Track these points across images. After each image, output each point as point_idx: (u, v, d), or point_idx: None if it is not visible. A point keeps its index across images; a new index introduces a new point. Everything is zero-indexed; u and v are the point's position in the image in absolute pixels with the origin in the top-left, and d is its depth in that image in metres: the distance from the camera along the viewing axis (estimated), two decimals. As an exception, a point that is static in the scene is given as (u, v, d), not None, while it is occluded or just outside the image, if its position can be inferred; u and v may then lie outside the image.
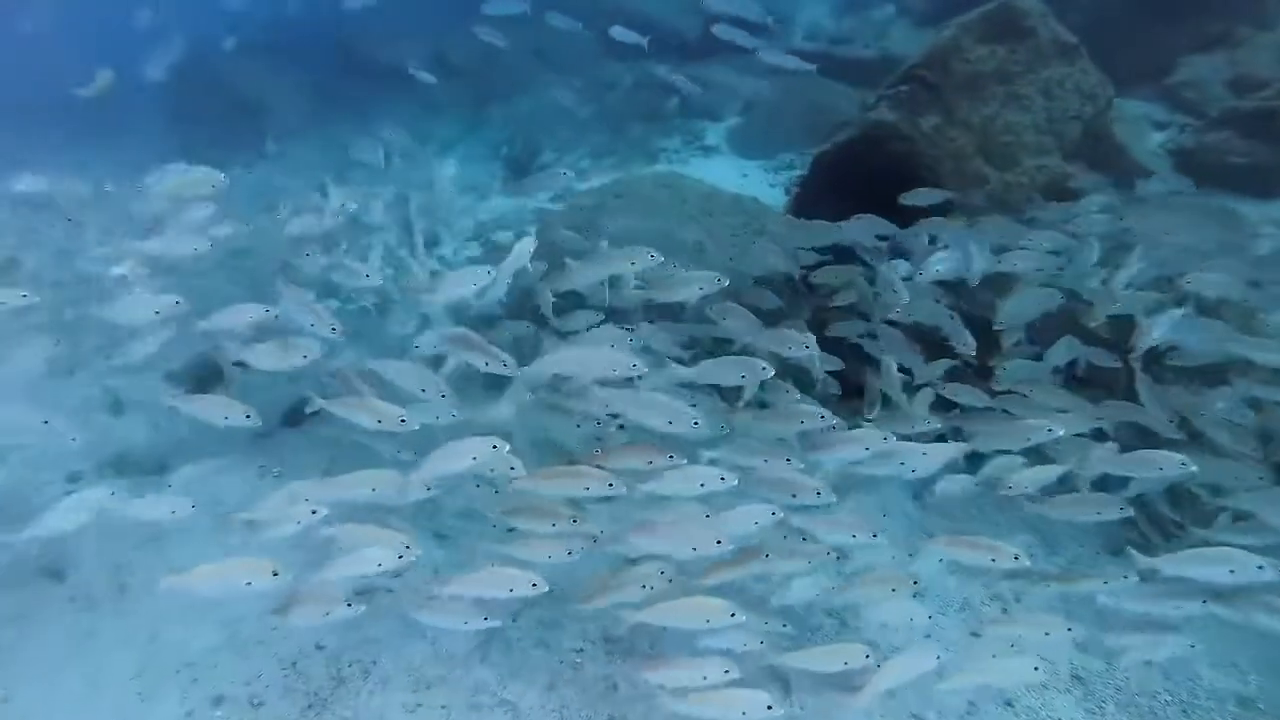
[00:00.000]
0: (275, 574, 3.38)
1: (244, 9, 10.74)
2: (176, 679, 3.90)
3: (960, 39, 6.55)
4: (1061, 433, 4.07)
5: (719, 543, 3.41)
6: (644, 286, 4.76)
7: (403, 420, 3.72)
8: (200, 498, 4.05)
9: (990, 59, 6.53)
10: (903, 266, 5.09)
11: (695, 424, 3.62)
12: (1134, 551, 3.77)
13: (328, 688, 3.84)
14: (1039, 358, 4.91)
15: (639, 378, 3.84)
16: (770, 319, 5.19)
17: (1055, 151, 6.61)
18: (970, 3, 6.96)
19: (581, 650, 4.02)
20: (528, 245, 5.26)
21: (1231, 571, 3.46)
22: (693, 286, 4.41)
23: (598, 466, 3.61)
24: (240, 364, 5.62)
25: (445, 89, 9.57)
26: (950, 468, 4.34)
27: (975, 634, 4.18)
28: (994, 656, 3.52)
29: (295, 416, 5.70)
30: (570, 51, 10.65)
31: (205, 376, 5.80)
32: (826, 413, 3.87)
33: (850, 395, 5.13)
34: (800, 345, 4.12)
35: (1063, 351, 4.87)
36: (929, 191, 5.51)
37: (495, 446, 3.53)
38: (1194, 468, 3.79)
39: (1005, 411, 4.60)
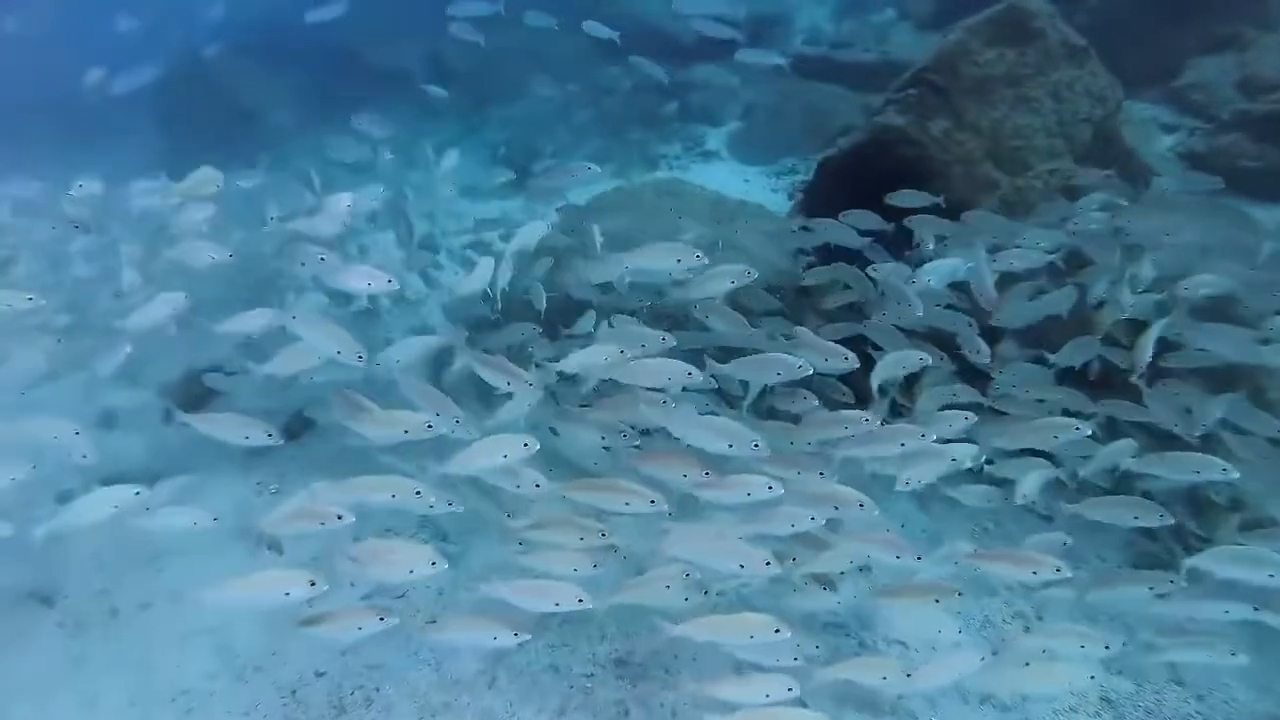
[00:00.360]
0: (313, 583, 3.32)
1: (237, 14, 10.61)
2: (171, 708, 3.75)
3: (968, 41, 6.43)
4: (1090, 432, 3.96)
5: (768, 563, 3.33)
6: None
7: (429, 425, 3.61)
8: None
9: (999, 62, 6.41)
10: (899, 269, 4.97)
11: (755, 446, 3.51)
12: (1186, 560, 3.66)
13: (329, 717, 3.69)
14: (1039, 361, 4.82)
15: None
16: (770, 320, 5.09)
17: (1066, 155, 6.50)
18: (971, 7, 6.87)
19: (592, 675, 3.87)
20: (536, 230, 5.15)
21: (1271, 575, 3.39)
22: (724, 280, 4.30)
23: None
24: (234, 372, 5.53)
25: (431, 88, 9.42)
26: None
27: (995, 654, 4.03)
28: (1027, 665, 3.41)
29: (293, 430, 5.56)
30: (568, 55, 10.52)
31: (198, 391, 5.66)
32: (870, 415, 3.77)
33: (861, 401, 5.01)
34: (840, 357, 3.98)
35: (1075, 353, 4.76)
36: (916, 194, 5.40)
37: (526, 445, 3.47)
38: (1236, 473, 3.68)
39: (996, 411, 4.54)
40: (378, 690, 3.78)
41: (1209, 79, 8.07)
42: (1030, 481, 4.32)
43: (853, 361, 4.04)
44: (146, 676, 3.89)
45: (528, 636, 3.42)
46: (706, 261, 4.27)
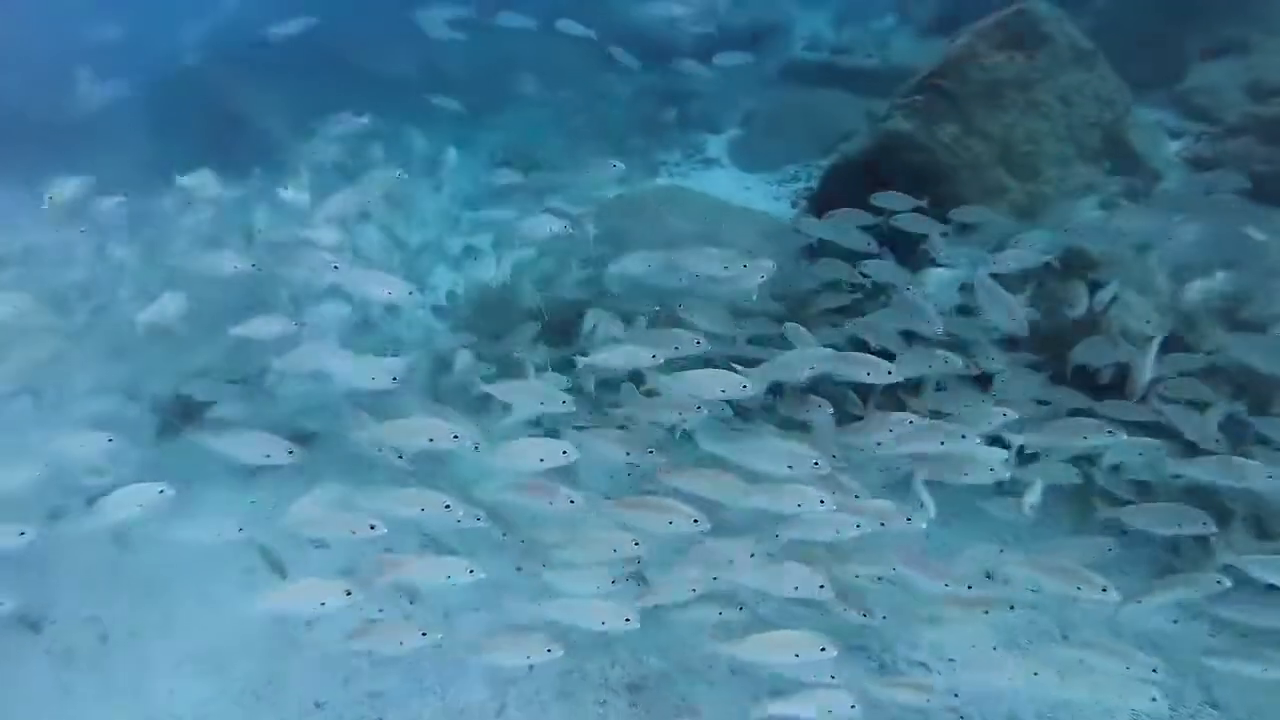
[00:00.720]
0: (348, 593, 3.24)
1: (234, 22, 10.49)
2: (164, 741, 3.59)
3: (977, 46, 6.35)
4: (1124, 436, 3.84)
5: (822, 587, 3.25)
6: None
7: (455, 436, 3.50)
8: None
9: (1008, 66, 6.32)
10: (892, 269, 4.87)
11: (815, 464, 3.41)
12: (1219, 541, 3.58)
13: (330, 748, 3.53)
14: (1036, 366, 4.71)
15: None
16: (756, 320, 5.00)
17: (1076, 160, 6.41)
18: (971, 13, 6.80)
19: (605, 701, 3.72)
20: (545, 225, 5.09)
21: None
22: (754, 275, 4.24)
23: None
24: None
25: (438, 99, 9.30)
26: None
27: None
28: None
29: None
30: (567, 62, 10.41)
31: (188, 406, 5.50)
32: (915, 417, 3.66)
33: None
34: (883, 370, 3.86)
35: (1090, 353, 4.65)
36: (900, 196, 5.28)
37: (565, 452, 3.39)
38: None
39: None
40: (381, 720, 3.63)
41: (1214, 83, 7.99)
42: (1035, 493, 4.21)
43: (896, 375, 3.90)
44: (139, 707, 3.73)
45: (561, 652, 3.29)
46: (749, 269, 4.19)
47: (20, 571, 3.77)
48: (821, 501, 3.30)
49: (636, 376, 4.23)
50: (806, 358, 3.84)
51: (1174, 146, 7.60)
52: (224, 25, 10.48)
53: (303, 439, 5.42)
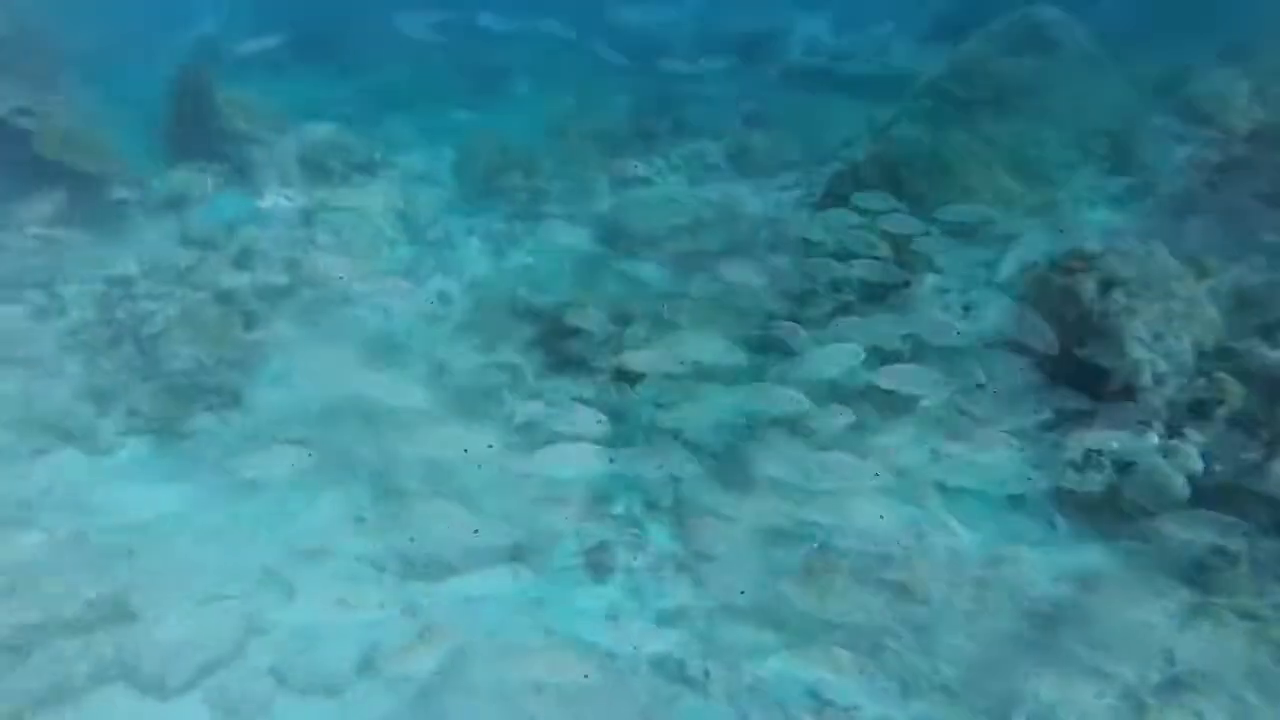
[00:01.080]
0: (381, 607, 3.36)
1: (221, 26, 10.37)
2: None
3: (985, 50, 6.30)
4: (1157, 440, 3.73)
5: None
6: None
7: (490, 446, 3.49)
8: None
9: (1016, 71, 6.27)
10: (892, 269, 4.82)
11: (876, 475, 3.35)
12: None
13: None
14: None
15: None
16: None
17: (1083, 164, 6.36)
18: (972, 18, 6.76)
19: (617, 727, 3.57)
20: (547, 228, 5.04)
21: None
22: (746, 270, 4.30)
23: None
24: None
25: (435, 104, 9.21)
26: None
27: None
28: None
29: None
30: (567, 68, 10.31)
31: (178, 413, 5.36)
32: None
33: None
34: (934, 382, 3.76)
35: (1097, 354, 4.58)
36: (884, 197, 5.24)
37: (612, 460, 3.46)
38: None
39: None
40: (387, 754, 3.48)
41: (1219, 89, 7.94)
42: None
43: (941, 386, 3.82)
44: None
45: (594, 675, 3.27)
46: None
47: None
48: (881, 517, 3.24)
49: (627, 378, 4.14)
50: (833, 357, 3.76)
51: (1182, 152, 7.55)
52: (215, 30, 10.34)
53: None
